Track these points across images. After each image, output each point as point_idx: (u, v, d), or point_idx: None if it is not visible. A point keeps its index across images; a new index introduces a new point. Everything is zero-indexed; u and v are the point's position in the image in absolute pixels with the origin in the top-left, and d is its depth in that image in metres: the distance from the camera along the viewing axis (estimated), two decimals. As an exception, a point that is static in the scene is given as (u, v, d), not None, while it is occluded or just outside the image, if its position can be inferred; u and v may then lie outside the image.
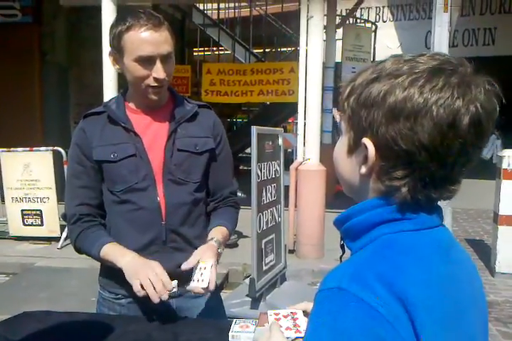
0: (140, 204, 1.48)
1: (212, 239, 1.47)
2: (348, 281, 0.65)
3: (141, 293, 1.33)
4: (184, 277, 1.43)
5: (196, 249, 1.47)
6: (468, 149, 0.68)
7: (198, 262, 1.40)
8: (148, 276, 1.33)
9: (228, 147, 1.65)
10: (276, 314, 1.30)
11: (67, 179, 1.57)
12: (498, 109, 0.69)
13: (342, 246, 0.81)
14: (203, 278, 1.37)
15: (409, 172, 0.68)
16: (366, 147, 0.70)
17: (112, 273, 1.52)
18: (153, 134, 1.51)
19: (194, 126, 1.54)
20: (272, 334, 0.92)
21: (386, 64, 0.71)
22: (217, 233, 1.51)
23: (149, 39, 1.39)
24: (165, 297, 1.33)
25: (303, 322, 1.22)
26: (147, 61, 1.41)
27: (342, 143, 0.77)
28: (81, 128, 1.53)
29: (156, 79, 1.43)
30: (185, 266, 1.39)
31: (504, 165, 4.38)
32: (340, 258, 0.85)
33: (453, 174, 0.70)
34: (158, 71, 1.42)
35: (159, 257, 1.46)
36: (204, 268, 1.38)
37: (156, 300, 1.32)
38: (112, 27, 1.45)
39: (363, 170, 0.72)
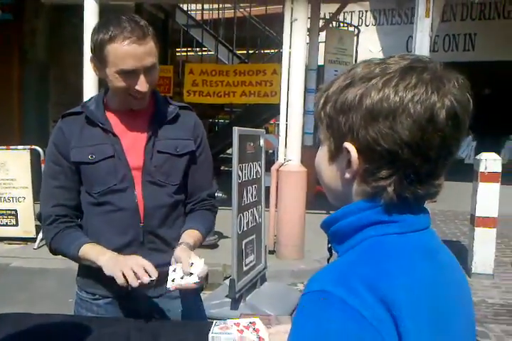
0: (118, 206, 1.47)
1: (181, 243, 1.45)
2: (333, 284, 0.65)
3: (122, 281, 1.30)
4: (163, 277, 1.41)
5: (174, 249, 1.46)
6: (449, 142, 0.69)
7: (176, 261, 1.39)
8: (130, 265, 1.32)
9: (208, 149, 1.64)
10: (237, 324, 1.30)
11: (43, 178, 1.55)
12: (471, 101, 0.70)
13: (329, 249, 0.81)
14: (193, 271, 1.36)
15: (394, 171, 0.69)
16: (348, 151, 0.70)
17: (89, 273, 1.52)
18: (133, 135, 1.50)
19: (175, 128, 1.53)
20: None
21: (357, 69, 0.72)
22: (188, 237, 1.50)
23: (133, 53, 1.36)
24: (145, 279, 1.31)
25: (265, 333, 1.23)
26: (130, 74, 1.39)
27: (323, 152, 0.77)
28: (59, 128, 1.51)
29: (138, 92, 1.41)
30: (187, 269, 1.36)
31: (481, 168, 4.46)
32: (328, 261, 0.84)
33: (437, 168, 0.70)
34: (141, 84, 1.40)
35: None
36: (191, 264, 1.37)
37: (134, 283, 1.30)
38: (94, 33, 1.40)
39: (348, 174, 0.72)
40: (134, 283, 1.30)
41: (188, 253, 1.39)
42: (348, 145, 0.70)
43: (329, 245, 0.79)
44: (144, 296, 1.50)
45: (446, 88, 0.68)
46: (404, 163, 0.68)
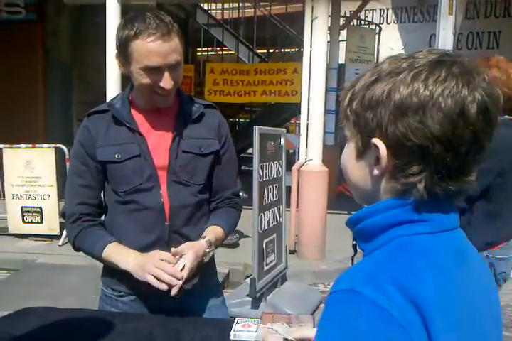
0: (144, 205, 1.48)
1: (204, 237, 1.47)
2: (362, 283, 0.64)
3: (163, 286, 1.32)
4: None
5: None
6: (480, 136, 0.68)
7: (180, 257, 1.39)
8: (155, 266, 1.33)
9: (232, 148, 1.64)
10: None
11: (68, 177, 1.56)
12: (501, 95, 0.69)
13: (354, 247, 0.80)
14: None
15: (424, 167, 0.68)
16: (377, 147, 0.69)
17: (114, 271, 1.53)
18: (158, 135, 1.50)
19: (199, 127, 1.53)
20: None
21: (384, 65, 0.71)
22: (211, 232, 1.51)
23: (157, 50, 1.35)
24: (174, 289, 1.33)
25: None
26: (154, 71, 1.38)
27: (349, 149, 0.76)
28: (85, 127, 1.51)
29: (162, 88, 1.41)
30: (173, 251, 1.38)
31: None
32: (352, 258, 0.85)
33: (467, 163, 0.69)
34: (165, 81, 1.40)
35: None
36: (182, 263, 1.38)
37: (174, 282, 1.31)
38: (119, 29, 1.41)
39: (376, 171, 0.71)
40: (174, 282, 1.32)
41: (191, 253, 1.39)
42: (376, 141, 0.69)
43: (354, 242, 0.79)
44: (167, 293, 1.50)
45: (476, 82, 0.67)
46: (434, 159, 0.67)
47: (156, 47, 1.35)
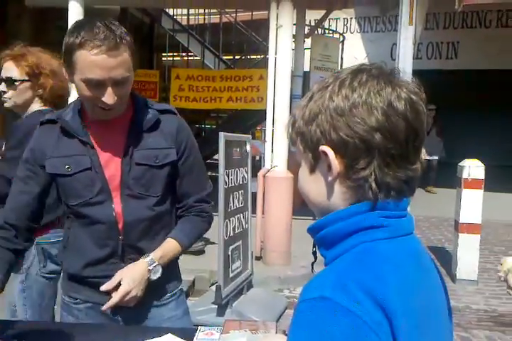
0: (96, 219, 1.44)
1: (147, 255, 1.44)
2: (331, 290, 0.66)
3: None
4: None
5: None
6: (413, 124, 0.73)
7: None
8: None
9: (196, 152, 1.57)
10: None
11: (14, 180, 1.52)
12: (422, 90, 0.76)
13: (314, 253, 0.82)
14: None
15: (371, 159, 0.72)
16: (326, 154, 0.73)
17: (70, 278, 1.52)
18: (110, 146, 1.44)
19: (155, 136, 1.46)
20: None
21: (314, 87, 0.79)
22: (159, 249, 1.46)
23: (101, 64, 1.28)
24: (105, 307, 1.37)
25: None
26: (97, 84, 1.31)
27: (303, 169, 0.80)
28: (36, 136, 1.48)
29: (104, 103, 1.34)
30: (104, 287, 1.37)
31: (464, 175, 4.51)
32: (312, 265, 0.87)
33: (409, 151, 0.74)
34: (108, 96, 1.32)
35: (117, 268, 1.45)
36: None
37: None
38: (66, 35, 1.32)
39: (330, 177, 0.75)
40: None
41: (119, 278, 1.38)
42: (323, 147, 0.74)
43: (314, 249, 0.81)
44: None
45: (396, 80, 0.75)
46: (378, 148, 0.71)
47: (100, 61, 1.27)
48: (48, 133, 1.46)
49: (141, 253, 1.47)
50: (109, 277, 1.45)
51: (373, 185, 0.72)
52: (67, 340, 1.34)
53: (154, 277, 1.44)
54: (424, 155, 0.84)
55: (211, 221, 1.63)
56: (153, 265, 1.43)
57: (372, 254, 0.71)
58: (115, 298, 1.36)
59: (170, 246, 1.49)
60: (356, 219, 0.73)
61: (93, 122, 1.45)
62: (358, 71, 0.75)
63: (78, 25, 1.34)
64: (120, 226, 1.45)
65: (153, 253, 1.45)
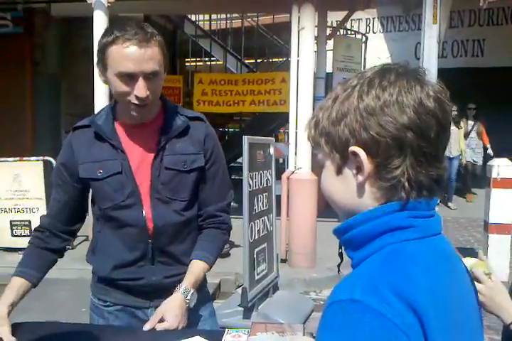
0: (126, 222, 1.47)
1: (180, 287, 1.45)
2: (361, 292, 0.65)
3: None
4: (170, 288, 1.47)
5: (184, 264, 1.50)
6: (441, 121, 0.73)
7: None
8: None
9: (222, 161, 1.58)
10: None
11: (52, 189, 1.60)
12: (447, 91, 0.76)
13: (340, 255, 0.81)
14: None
15: (403, 158, 0.71)
16: (355, 154, 0.72)
17: (101, 280, 1.55)
18: (141, 151, 1.48)
19: (184, 142, 1.50)
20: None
21: (337, 88, 0.78)
22: (190, 275, 1.48)
23: (131, 55, 1.32)
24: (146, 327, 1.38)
25: None
26: (128, 78, 1.35)
27: (327, 171, 0.78)
28: (69, 142, 1.52)
29: (137, 97, 1.37)
30: (147, 327, 1.39)
31: (494, 174, 4.42)
32: (339, 266, 0.88)
33: (439, 149, 0.74)
34: (140, 89, 1.35)
35: (146, 270, 1.49)
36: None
37: None
38: (101, 37, 1.40)
39: (360, 178, 0.73)
40: None
41: (159, 317, 1.41)
42: (354, 148, 0.72)
43: (340, 250, 0.80)
44: (154, 306, 1.51)
45: (423, 78, 0.75)
46: (411, 147, 0.71)
47: (130, 53, 1.32)
48: (79, 139, 1.50)
49: (171, 257, 1.50)
50: (138, 280, 1.48)
51: (406, 184, 0.71)
52: (97, 341, 1.37)
53: (192, 304, 1.47)
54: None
55: (230, 230, 1.64)
56: (190, 294, 1.45)
57: (401, 255, 0.70)
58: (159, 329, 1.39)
59: (199, 268, 1.51)
60: (385, 219, 0.72)
61: (125, 126, 1.49)
62: (384, 70, 0.75)
63: (111, 27, 1.42)
64: (150, 230, 1.47)
65: (186, 280, 1.46)
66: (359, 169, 0.73)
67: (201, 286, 1.61)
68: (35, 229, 1.57)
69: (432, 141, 0.72)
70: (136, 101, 1.38)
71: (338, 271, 0.86)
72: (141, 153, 1.48)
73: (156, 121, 1.50)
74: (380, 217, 0.72)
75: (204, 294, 1.62)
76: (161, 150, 1.47)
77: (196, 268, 1.50)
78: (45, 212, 1.63)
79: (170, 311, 1.41)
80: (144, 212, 1.47)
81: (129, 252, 1.49)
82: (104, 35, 1.38)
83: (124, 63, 1.33)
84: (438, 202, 0.77)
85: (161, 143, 1.47)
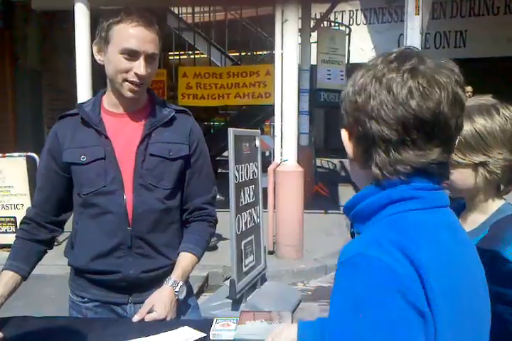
0: (107, 209, 1.47)
1: (169, 279, 1.47)
2: (367, 247, 0.69)
3: None
4: (147, 284, 1.48)
5: (164, 256, 1.51)
6: (418, 114, 0.73)
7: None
8: None
9: (206, 155, 1.61)
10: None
11: (37, 180, 1.60)
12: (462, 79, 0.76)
13: (352, 234, 0.84)
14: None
15: (372, 145, 0.76)
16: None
17: (78, 277, 1.54)
18: (126, 138, 1.49)
19: (169, 132, 1.52)
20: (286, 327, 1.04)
21: (375, 59, 0.78)
22: (178, 267, 1.49)
23: (138, 34, 1.40)
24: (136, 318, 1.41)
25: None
26: (131, 55, 1.41)
27: (344, 131, 0.81)
28: (54, 131, 1.54)
29: (136, 75, 1.42)
30: (137, 318, 1.41)
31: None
32: None
33: (434, 135, 0.74)
34: (140, 67, 1.41)
35: (124, 262, 1.48)
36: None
37: None
38: (103, 21, 1.45)
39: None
40: None
41: (148, 308, 1.42)
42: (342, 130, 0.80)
43: (352, 230, 0.83)
44: (133, 302, 1.52)
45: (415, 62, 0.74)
46: (376, 137, 0.75)
47: (137, 32, 1.40)
48: (64, 127, 1.52)
49: (150, 245, 1.50)
50: (114, 273, 1.47)
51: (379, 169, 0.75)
52: (85, 334, 1.36)
53: (181, 296, 1.48)
54: None
55: (216, 223, 1.65)
56: (178, 286, 1.46)
57: (403, 222, 0.73)
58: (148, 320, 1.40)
59: (187, 260, 1.52)
60: (388, 192, 0.75)
61: (111, 115, 1.51)
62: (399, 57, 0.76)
63: (113, 12, 1.46)
64: (130, 216, 1.47)
65: (174, 273, 1.47)
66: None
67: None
68: (22, 222, 1.57)
69: (426, 124, 0.73)
70: (134, 79, 1.42)
71: None
72: (126, 140, 1.49)
73: (142, 111, 1.53)
74: (384, 190, 0.76)
75: (188, 287, 1.62)
76: (147, 138, 1.49)
77: (184, 260, 1.51)
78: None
79: (159, 302, 1.42)
80: (124, 198, 1.47)
81: (107, 240, 1.48)
82: (107, 18, 1.44)
83: (130, 40, 1.40)
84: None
85: (146, 131, 1.49)
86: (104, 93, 1.54)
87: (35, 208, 1.57)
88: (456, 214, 1.23)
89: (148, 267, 1.49)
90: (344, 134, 0.80)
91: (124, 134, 1.50)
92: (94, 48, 1.48)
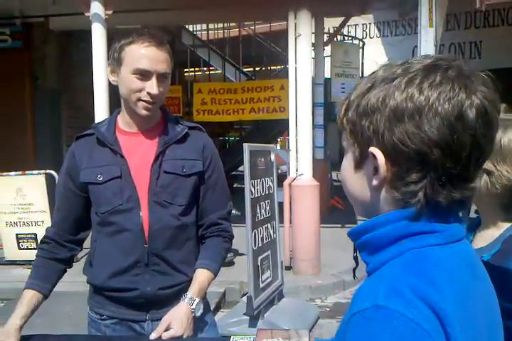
0: (123, 227, 1.49)
1: (185, 296, 1.46)
2: (385, 297, 0.61)
3: None
4: (164, 301, 1.49)
5: (180, 272, 1.51)
6: (480, 141, 0.65)
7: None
8: None
9: (220, 171, 1.62)
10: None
11: (56, 200, 1.63)
12: (499, 99, 0.68)
13: (356, 258, 0.78)
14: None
15: (424, 174, 0.65)
16: (375, 156, 0.67)
17: (96, 294, 1.55)
18: (140, 156, 1.52)
19: (183, 148, 1.54)
20: None
21: (379, 72, 0.70)
22: (195, 284, 1.49)
23: (149, 54, 1.44)
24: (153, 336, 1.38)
25: None
26: (143, 75, 1.44)
27: (347, 160, 0.74)
28: (71, 151, 1.58)
29: (148, 94, 1.45)
30: (154, 335, 1.38)
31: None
32: (354, 271, 0.82)
33: (469, 170, 0.67)
34: (153, 86, 1.44)
35: (141, 279, 1.49)
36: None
37: None
38: (115, 42, 1.50)
39: (375, 181, 0.69)
40: None
41: (165, 326, 1.39)
42: (373, 149, 0.67)
43: (355, 254, 0.76)
44: (150, 319, 1.52)
45: (474, 85, 0.65)
46: (434, 165, 0.64)
47: (149, 52, 1.44)
48: (81, 147, 1.56)
49: (166, 262, 1.50)
50: (132, 290, 1.48)
51: (422, 201, 0.66)
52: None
53: (198, 314, 1.47)
54: None
55: (232, 239, 1.65)
56: (195, 303, 1.46)
57: (424, 261, 0.65)
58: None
59: (203, 276, 1.51)
60: (405, 223, 0.67)
61: (126, 134, 1.54)
62: (432, 68, 0.66)
63: (125, 33, 1.49)
64: (146, 234, 1.48)
65: (190, 290, 1.47)
66: (376, 171, 0.68)
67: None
68: (41, 241, 1.60)
69: (462, 162, 0.65)
70: (146, 98, 1.46)
71: (354, 275, 0.83)
72: (140, 158, 1.52)
73: (156, 129, 1.56)
74: (400, 220, 0.68)
75: (205, 304, 1.61)
76: (160, 156, 1.51)
77: (201, 276, 1.51)
78: (49, 225, 1.64)
79: (176, 319, 1.41)
80: (141, 215, 1.48)
81: (124, 258, 1.49)
82: (121, 38, 1.48)
83: (142, 61, 1.44)
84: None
85: (160, 149, 1.51)
86: (119, 113, 1.58)
87: (54, 227, 1.59)
88: (473, 231, 1.21)
89: (165, 284, 1.50)
90: (379, 154, 0.67)
91: (139, 152, 1.52)
92: (108, 69, 1.53)
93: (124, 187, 1.49)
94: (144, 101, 1.46)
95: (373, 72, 0.71)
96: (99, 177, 1.49)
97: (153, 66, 1.44)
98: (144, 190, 1.49)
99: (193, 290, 1.47)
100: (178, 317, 1.41)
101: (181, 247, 1.53)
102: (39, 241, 1.64)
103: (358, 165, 0.72)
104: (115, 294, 1.52)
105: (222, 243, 1.60)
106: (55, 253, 1.56)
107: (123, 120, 1.55)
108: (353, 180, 0.73)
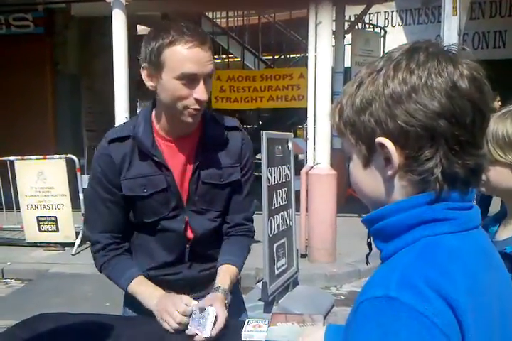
0: (169, 229, 1.50)
1: (218, 288, 1.44)
2: (397, 289, 0.60)
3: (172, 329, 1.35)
4: (205, 281, 1.53)
5: (216, 260, 1.54)
6: (478, 104, 0.67)
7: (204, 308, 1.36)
8: (169, 315, 1.35)
9: (252, 170, 1.59)
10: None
11: (90, 201, 1.53)
12: (483, 69, 0.70)
13: (369, 245, 0.78)
14: (205, 325, 1.33)
15: (436, 148, 0.66)
16: (383, 146, 0.67)
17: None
18: (181, 165, 1.46)
19: (222, 154, 1.49)
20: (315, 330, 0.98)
21: (362, 71, 0.72)
22: (225, 278, 1.48)
23: (195, 57, 1.28)
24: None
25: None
26: (190, 80, 1.30)
27: (354, 163, 0.74)
28: (107, 155, 1.43)
29: (197, 101, 1.32)
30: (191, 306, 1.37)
31: None
32: (367, 257, 0.82)
33: (476, 135, 0.68)
34: (201, 92, 1.31)
35: (183, 267, 1.54)
36: (208, 314, 1.35)
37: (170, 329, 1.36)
38: (150, 40, 1.32)
39: (389, 172, 0.69)
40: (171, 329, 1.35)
41: (216, 306, 1.37)
42: (381, 139, 0.67)
43: (368, 240, 0.77)
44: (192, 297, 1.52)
45: (456, 57, 0.68)
46: (444, 136, 0.65)
47: (192, 54, 1.28)
48: (118, 152, 1.43)
49: (207, 259, 1.55)
50: (175, 274, 1.53)
51: (440, 176, 0.66)
52: (120, 331, 1.39)
53: (227, 304, 1.47)
54: None
55: (253, 238, 1.68)
56: (229, 298, 1.46)
57: (438, 250, 0.65)
58: (213, 333, 1.33)
59: (232, 273, 1.53)
60: (419, 210, 0.67)
61: (165, 140, 1.46)
62: (413, 50, 0.68)
63: (160, 28, 1.34)
64: (189, 236, 1.51)
65: (225, 284, 1.46)
66: (388, 161, 0.68)
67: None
68: (94, 251, 1.53)
69: (468, 128, 0.66)
70: (195, 106, 1.34)
71: (367, 262, 0.83)
72: (180, 167, 1.46)
73: (194, 135, 1.47)
74: (414, 208, 0.68)
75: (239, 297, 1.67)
76: (199, 164, 1.46)
77: (230, 272, 1.53)
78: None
79: (218, 301, 1.39)
80: (185, 221, 1.51)
81: (166, 253, 1.53)
82: (156, 38, 1.31)
83: (188, 64, 1.28)
84: (474, 193, 0.72)
85: (198, 157, 1.46)
86: (151, 113, 1.46)
87: (109, 233, 1.50)
88: (498, 222, 1.20)
89: (204, 267, 1.56)
90: (388, 142, 0.67)
91: (178, 161, 1.46)
92: (143, 73, 1.36)
93: (170, 198, 1.46)
94: (191, 108, 1.34)
95: (357, 74, 0.73)
96: (144, 190, 1.44)
97: (201, 69, 1.29)
98: (183, 199, 1.49)
99: (224, 284, 1.47)
100: (219, 300, 1.39)
101: (216, 242, 1.58)
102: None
103: (367, 162, 0.72)
104: (158, 278, 1.53)
105: (247, 241, 1.63)
106: (112, 251, 1.51)
107: (162, 126, 1.44)
108: (366, 178, 0.73)
